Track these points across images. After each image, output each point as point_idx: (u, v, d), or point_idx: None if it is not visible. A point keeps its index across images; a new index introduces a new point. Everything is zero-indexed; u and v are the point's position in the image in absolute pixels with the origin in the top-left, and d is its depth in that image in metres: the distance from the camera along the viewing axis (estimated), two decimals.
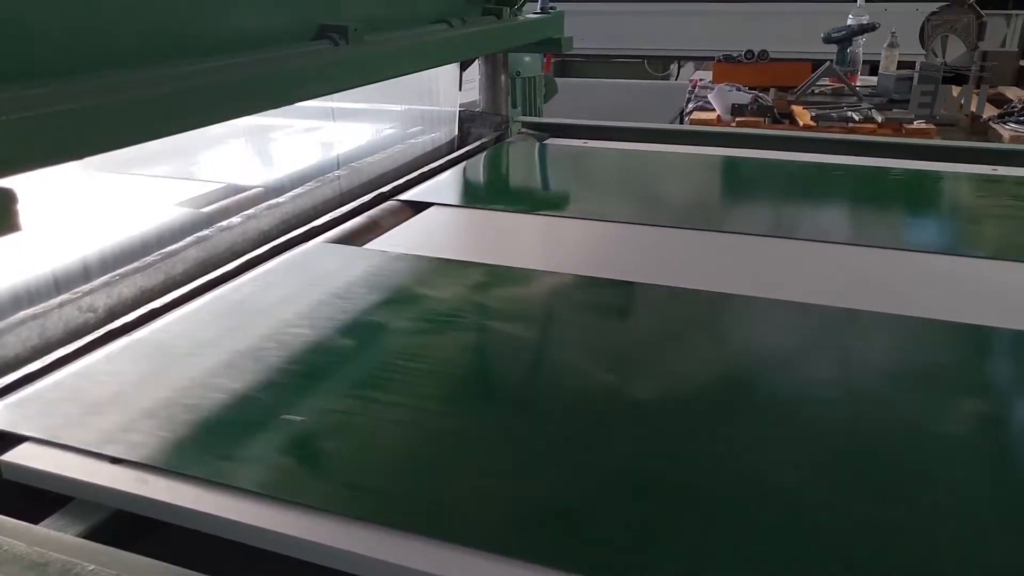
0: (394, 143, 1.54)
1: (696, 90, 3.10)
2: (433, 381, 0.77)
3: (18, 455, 0.65)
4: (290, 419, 0.69)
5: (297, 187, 1.26)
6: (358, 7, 1.06)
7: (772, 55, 3.10)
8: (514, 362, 0.83)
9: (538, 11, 1.68)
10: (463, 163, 1.56)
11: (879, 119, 2.47)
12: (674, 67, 4.95)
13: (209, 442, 0.67)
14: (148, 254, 0.98)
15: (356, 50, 1.00)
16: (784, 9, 4.29)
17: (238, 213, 1.13)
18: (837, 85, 3.00)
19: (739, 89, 2.76)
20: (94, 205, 1.01)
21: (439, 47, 1.27)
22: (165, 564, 0.52)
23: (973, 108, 2.64)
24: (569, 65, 4.84)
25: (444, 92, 1.67)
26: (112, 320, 0.87)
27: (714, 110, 2.71)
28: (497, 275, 1.01)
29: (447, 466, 0.64)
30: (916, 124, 2.44)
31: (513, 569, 0.53)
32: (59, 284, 0.88)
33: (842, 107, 2.67)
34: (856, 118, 2.49)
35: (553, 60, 4.18)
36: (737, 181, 1.51)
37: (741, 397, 0.74)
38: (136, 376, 0.77)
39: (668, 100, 3.93)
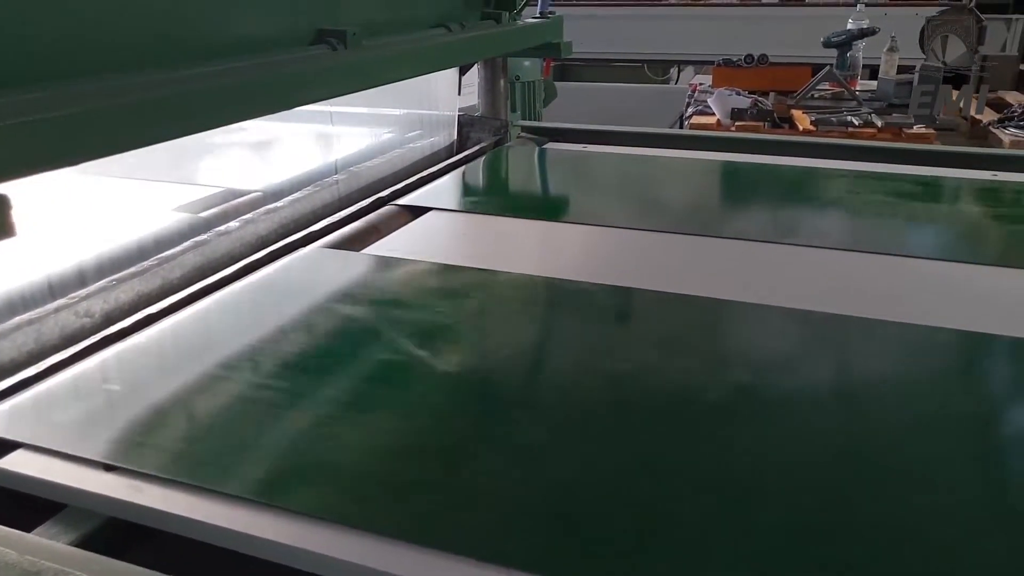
0: (393, 147, 1.53)
1: (696, 94, 3.10)
2: (430, 386, 0.76)
3: (11, 462, 0.65)
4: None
5: (296, 191, 1.26)
6: (357, 12, 1.06)
7: (772, 59, 3.10)
8: (512, 367, 0.83)
9: (537, 15, 1.68)
10: (462, 167, 1.55)
11: (879, 123, 2.47)
12: (674, 71, 4.95)
13: (204, 449, 0.66)
14: (146, 259, 0.97)
15: (354, 54, 1.00)
16: (784, 13, 4.30)
17: (236, 218, 1.12)
18: (837, 89, 3.00)
19: (739, 93, 2.76)
20: (91, 209, 1.00)
21: (438, 51, 1.27)
22: (158, 573, 0.51)
23: (973, 110, 2.64)
24: (568, 69, 4.84)
25: (443, 96, 1.66)
26: (109, 325, 0.87)
27: (714, 114, 2.71)
28: (496, 280, 1.01)
29: (442, 473, 0.63)
30: (916, 129, 2.44)
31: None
32: (55, 289, 0.88)
33: (842, 111, 2.67)
34: (856, 122, 2.49)
35: (552, 64, 4.18)
36: (737, 186, 1.51)
37: (740, 402, 0.73)
38: (132, 382, 0.77)
39: (668, 104, 3.93)
